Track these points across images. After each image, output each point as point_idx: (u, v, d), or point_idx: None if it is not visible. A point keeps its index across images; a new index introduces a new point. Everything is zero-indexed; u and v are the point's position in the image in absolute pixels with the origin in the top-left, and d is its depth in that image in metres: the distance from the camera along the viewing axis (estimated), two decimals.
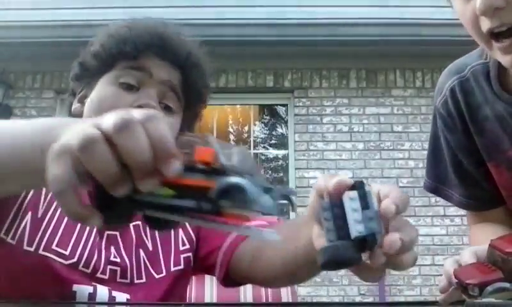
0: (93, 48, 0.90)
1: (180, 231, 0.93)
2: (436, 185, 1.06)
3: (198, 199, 0.40)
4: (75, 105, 0.93)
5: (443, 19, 4.15)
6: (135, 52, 0.86)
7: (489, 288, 0.52)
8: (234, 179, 0.39)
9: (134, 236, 0.88)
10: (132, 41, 0.87)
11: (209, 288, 1.22)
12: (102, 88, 0.87)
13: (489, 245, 0.59)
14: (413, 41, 4.21)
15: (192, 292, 1.12)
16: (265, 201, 0.39)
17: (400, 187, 4.12)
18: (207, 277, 1.22)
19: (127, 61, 0.87)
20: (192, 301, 1.13)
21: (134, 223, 0.88)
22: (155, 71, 0.87)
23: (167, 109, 0.89)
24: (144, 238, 0.89)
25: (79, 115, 0.91)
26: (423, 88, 4.42)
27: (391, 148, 4.27)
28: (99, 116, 0.86)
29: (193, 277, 1.16)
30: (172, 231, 0.92)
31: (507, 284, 0.52)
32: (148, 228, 0.89)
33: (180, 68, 0.90)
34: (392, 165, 4.21)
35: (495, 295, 0.52)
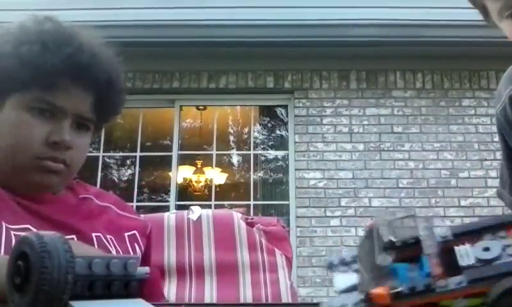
0: (2, 64, 0.84)
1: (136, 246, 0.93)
2: (501, 190, 1.08)
3: None
4: None
5: (444, 20, 4.15)
6: (48, 84, 0.82)
7: None
8: None
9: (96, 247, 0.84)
10: (45, 69, 0.81)
11: (209, 288, 1.22)
12: (14, 114, 0.83)
13: None
14: (414, 42, 4.21)
15: (192, 292, 1.12)
16: None
17: (400, 187, 4.13)
18: (207, 278, 1.22)
19: (40, 90, 0.83)
20: (192, 301, 1.13)
21: (95, 234, 0.87)
22: (69, 105, 0.84)
23: (81, 126, 0.88)
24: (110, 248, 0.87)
25: None
26: (423, 89, 4.42)
27: (391, 149, 4.26)
28: (12, 145, 0.84)
29: (193, 278, 1.16)
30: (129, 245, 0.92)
31: None
32: (110, 240, 0.88)
33: (96, 89, 0.88)
34: (392, 166, 4.21)
35: None
